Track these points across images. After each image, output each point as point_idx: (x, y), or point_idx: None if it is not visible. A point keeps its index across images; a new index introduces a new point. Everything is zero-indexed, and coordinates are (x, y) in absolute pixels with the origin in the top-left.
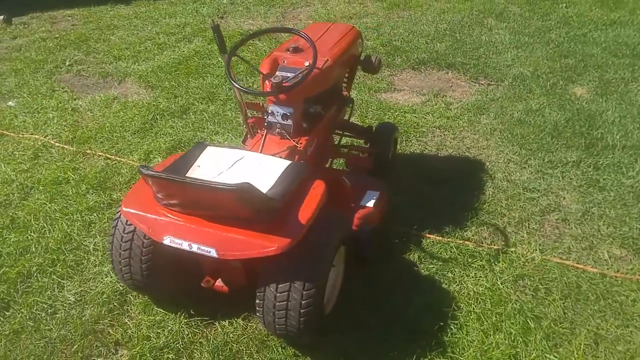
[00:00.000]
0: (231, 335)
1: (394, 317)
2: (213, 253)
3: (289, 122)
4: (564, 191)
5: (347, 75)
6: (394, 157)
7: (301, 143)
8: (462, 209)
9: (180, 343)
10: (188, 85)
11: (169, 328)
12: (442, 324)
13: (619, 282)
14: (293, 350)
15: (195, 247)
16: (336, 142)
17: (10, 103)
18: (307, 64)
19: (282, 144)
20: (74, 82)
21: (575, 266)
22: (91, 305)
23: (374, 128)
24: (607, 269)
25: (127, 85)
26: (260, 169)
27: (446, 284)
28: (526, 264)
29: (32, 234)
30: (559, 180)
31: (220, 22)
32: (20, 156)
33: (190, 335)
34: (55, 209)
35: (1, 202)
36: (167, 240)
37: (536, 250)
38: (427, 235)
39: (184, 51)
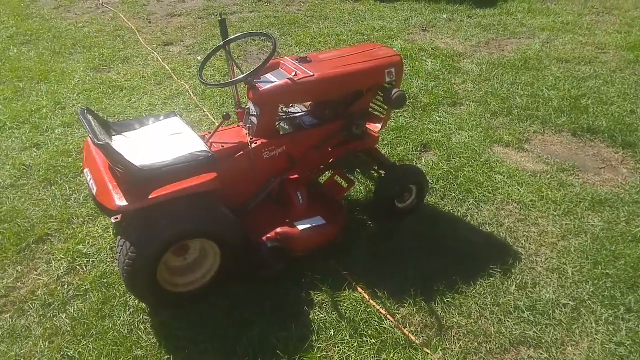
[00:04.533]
0: None
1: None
2: (94, 191)
3: (254, 120)
4: None
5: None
6: (413, 210)
7: (256, 143)
8: (423, 283)
9: None
10: None
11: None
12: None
13: None
14: None
15: (91, 183)
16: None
17: (198, 57)
18: (292, 74)
19: (238, 137)
20: (253, 52)
21: None
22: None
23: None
24: None
25: None
26: (180, 145)
27: (317, 339)
28: None
29: None
30: None
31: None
32: (162, 95)
33: None
34: None
35: (120, 120)
36: (87, 171)
37: None
38: (358, 286)
39: None
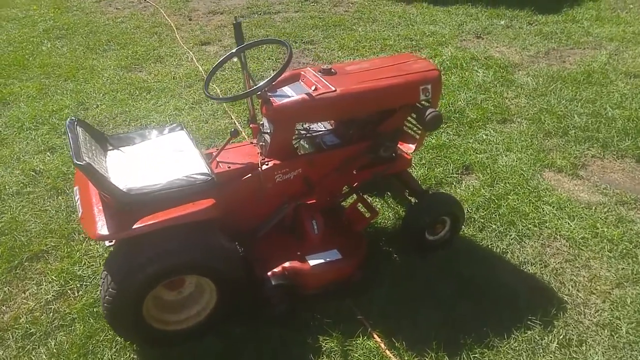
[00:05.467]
0: None
1: None
2: (79, 213)
3: (268, 138)
4: None
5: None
6: (445, 243)
7: (267, 164)
8: (447, 335)
9: None
10: None
11: None
12: None
13: None
14: None
15: (77, 203)
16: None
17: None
18: (312, 88)
19: (248, 157)
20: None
21: None
22: None
23: (429, 192)
24: None
25: None
26: (177, 164)
27: None
28: None
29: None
30: None
31: None
32: (190, 98)
33: None
34: None
35: (144, 125)
36: (75, 189)
37: None
38: (374, 333)
39: None
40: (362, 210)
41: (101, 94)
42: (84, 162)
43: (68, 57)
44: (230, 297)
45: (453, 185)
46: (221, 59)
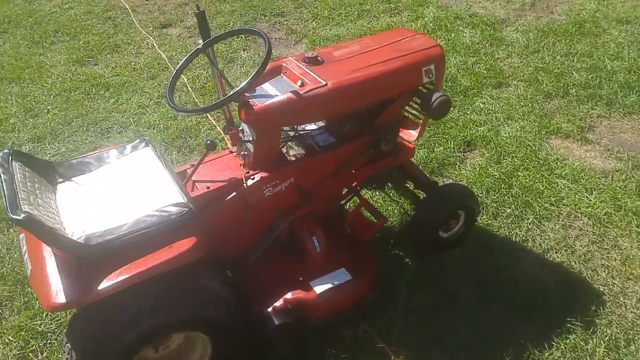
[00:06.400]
0: None
1: None
2: (28, 271)
3: (250, 147)
4: None
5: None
6: (460, 239)
7: (254, 179)
8: (480, 350)
9: None
10: None
11: None
12: None
13: None
14: None
15: (25, 257)
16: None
17: (200, 41)
18: (298, 84)
19: (230, 172)
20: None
21: None
22: None
23: (438, 184)
24: None
25: (299, 47)
26: (145, 195)
27: None
28: None
29: None
30: None
31: None
32: (154, 92)
33: None
34: None
35: (104, 130)
36: (21, 237)
37: None
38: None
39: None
40: (366, 215)
41: (52, 96)
42: (23, 214)
43: (10, 54)
44: (227, 348)
45: (457, 166)
46: (184, 58)
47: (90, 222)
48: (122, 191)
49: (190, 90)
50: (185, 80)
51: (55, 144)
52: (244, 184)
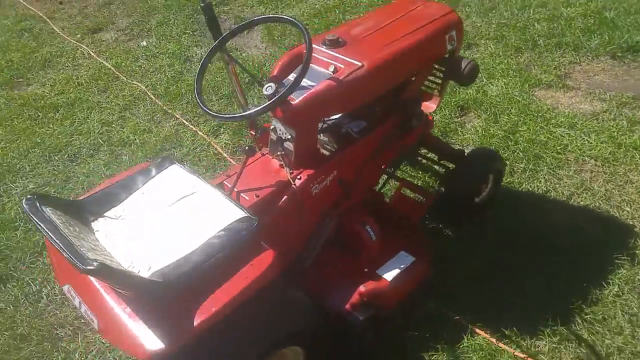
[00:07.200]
0: None
1: None
2: (95, 324)
3: (289, 146)
4: None
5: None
6: (491, 201)
7: (301, 178)
8: (551, 303)
9: None
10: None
11: None
12: None
13: None
14: None
15: (83, 309)
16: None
17: (143, 43)
18: (331, 69)
19: (273, 175)
20: None
21: None
22: (67, 305)
23: (465, 153)
24: None
25: (253, 35)
26: (199, 217)
27: None
28: None
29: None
30: None
31: None
32: (114, 106)
33: None
34: (103, 176)
35: (70, 155)
36: (66, 289)
37: None
38: (475, 329)
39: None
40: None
41: None
42: (95, 263)
43: None
44: (318, 355)
45: (459, 132)
46: (203, 59)
47: (151, 257)
48: (169, 216)
49: (153, 97)
50: (144, 87)
51: (20, 181)
52: (293, 184)
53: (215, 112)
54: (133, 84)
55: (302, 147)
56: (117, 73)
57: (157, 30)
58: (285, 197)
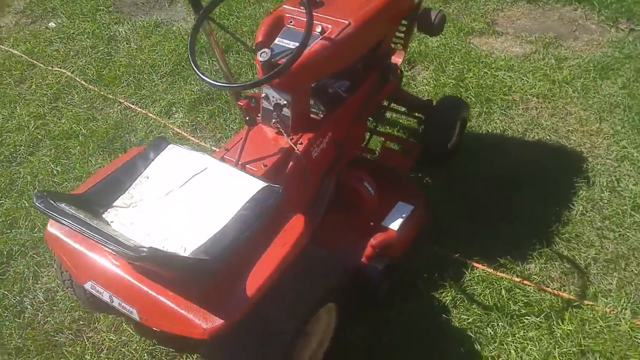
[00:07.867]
0: None
1: None
2: (134, 314)
3: (287, 112)
4: None
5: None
6: (459, 145)
7: (302, 142)
8: (531, 230)
9: None
10: (240, 14)
11: (130, 356)
12: None
13: None
14: None
15: (116, 303)
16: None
17: (51, 24)
18: (318, 30)
19: (273, 143)
20: None
21: None
22: (58, 310)
23: (433, 102)
24: None
25: (177, 7)
26: (219, 193)
27: (480, 345)
28: (605, 330)
29: (24, 202)
30: None
31: None
32: (41, 97)
33: None
34: (56, 173)
35: (7, 156)
36: (89, 286)
37: (626, 309)
38: (474, 263)
39: None
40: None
41: None
42: (146, 248)
43: None
44: (347, 310)
45: (412, 84)
46: (191, 30)
47: (182, 238)
48: (185, 196)
49: (85, 83)
50: (69, 73)
51: None
52: (296, 150)
53: (228, 84)
54: (55, 70)
55: (299, 112)
56: (32, 60)
57: (64, 9)
58: (292, 162)
